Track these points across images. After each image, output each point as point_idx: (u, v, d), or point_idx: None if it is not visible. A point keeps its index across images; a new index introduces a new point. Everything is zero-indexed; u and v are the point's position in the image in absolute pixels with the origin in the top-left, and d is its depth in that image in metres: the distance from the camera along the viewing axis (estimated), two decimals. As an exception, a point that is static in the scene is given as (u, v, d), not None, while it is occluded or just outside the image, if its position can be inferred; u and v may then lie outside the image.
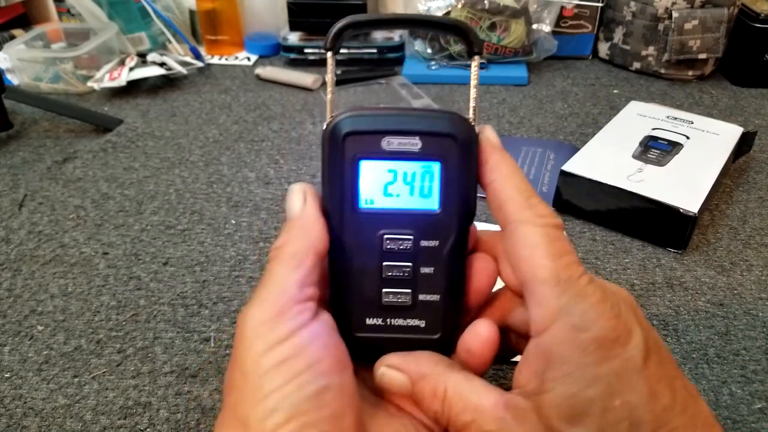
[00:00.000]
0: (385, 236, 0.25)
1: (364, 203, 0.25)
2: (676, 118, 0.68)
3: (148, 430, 0.40)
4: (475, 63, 0.26)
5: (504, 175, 0.25)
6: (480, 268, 0.27)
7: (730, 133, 0.65)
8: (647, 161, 0.60)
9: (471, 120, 0.26)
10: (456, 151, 0.25)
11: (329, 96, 0.26)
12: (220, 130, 0.80)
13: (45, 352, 0.46)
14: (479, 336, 0.26)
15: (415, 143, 0.24)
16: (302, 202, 0.25)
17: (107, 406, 0.42)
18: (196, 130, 0.80)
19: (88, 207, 0.64)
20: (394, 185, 0.25)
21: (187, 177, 0.69)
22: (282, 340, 0.22)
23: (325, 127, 0.25)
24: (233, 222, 0.61)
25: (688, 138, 0.64)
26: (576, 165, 0.59)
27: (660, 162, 0.60)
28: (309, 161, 0.72)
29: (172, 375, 0.44)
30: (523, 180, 0.25)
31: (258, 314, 0.23)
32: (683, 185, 0.56)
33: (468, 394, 0.24)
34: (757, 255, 0.55)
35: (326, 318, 0.25)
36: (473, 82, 0.26)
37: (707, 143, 0.63)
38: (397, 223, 0.25)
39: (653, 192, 0.55)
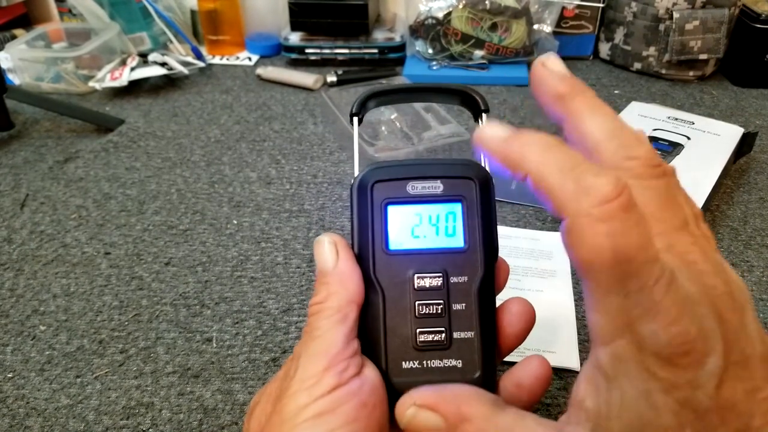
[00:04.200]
0: (416, 275, 0.26)
1: (393, 245, 0.27)
2: (676, 119, 0.68)
3: (150, 430, 0.40)
4: (484, 119, 0.29)
5: (535, 166, 0.20)
6: (516, 311, 0.27)
7: (731, 133, 0.66)
8: (648, 162, 0.60)
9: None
10: (473, 191, 0.27)
11: (356, 156, 0.30)
12: (222, 130, 0.80)
13: (47, 352, 0.46)
14: (532, 371, 0.25)
15: (437, 186, 0.27)
16: (335, 255, 0.26)
17: (110, 407, 0.42)
18: (198, 130, 0.80)
19: (89, 207, 0.64)
20: (421, 227, 0.27)
21: (188, 177, 0.69)
22: (323, 394, 0.23)
23: (353, 180, 0.28)
24: (235, 222, 0.61)
25: (688, 138, 0.64)
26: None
27: (661, 163, 0.60)
28: (310, 161, 0.72)
29: (175, 375, 0.44)
30: (563, 155, 0.20)
31: (308, 368, 0.24)
32: (684, 186, 0.56)
33: None
34: (758, 256, 0.56)
35: (370, 374, 0.25)
36: None
37: (708, 144, 0.63)
38: (426, 262, 0.27)
39: (654, 193, 0.55)
